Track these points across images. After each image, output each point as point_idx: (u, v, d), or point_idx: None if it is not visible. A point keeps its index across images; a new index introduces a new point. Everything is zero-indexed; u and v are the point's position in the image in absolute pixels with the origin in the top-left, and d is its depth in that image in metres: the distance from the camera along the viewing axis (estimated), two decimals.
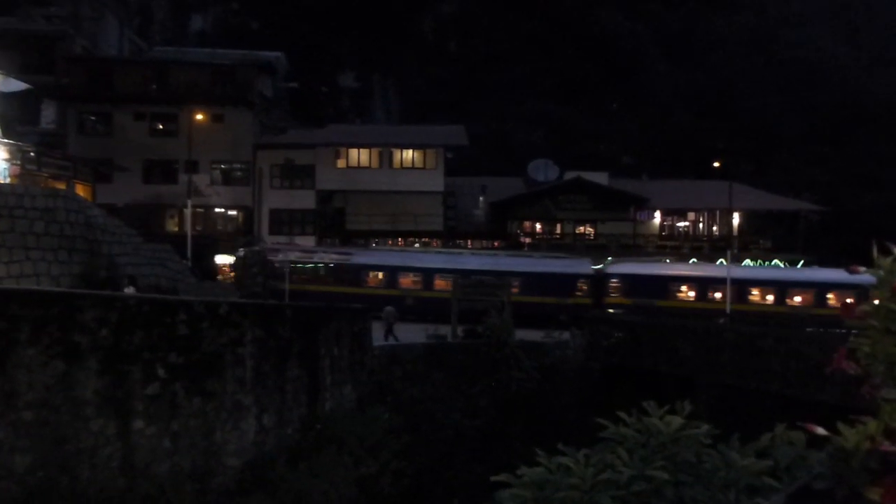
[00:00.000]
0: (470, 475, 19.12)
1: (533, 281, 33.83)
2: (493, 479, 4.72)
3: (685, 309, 32.28)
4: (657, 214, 49.64)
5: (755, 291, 34.56)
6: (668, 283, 34.34)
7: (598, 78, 78.09)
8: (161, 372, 11.52)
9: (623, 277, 34.72)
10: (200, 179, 44.53)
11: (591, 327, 25.76)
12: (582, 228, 49.87)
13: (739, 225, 49.24)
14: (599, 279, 35.18)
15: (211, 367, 12.48)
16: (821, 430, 1.55)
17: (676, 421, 4.66)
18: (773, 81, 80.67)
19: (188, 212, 40.07)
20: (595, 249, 44.73)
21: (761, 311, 32.58)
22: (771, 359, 20.04)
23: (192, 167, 43.28)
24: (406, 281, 34.98)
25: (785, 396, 18.41)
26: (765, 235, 49.91)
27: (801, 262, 41.89)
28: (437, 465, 18.41)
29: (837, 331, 27.26)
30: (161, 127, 45.88)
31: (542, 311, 31.11)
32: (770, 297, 34.25)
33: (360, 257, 36.24)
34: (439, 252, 39.58)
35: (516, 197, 49.19)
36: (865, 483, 1.37)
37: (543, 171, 51.10)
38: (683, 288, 34.55)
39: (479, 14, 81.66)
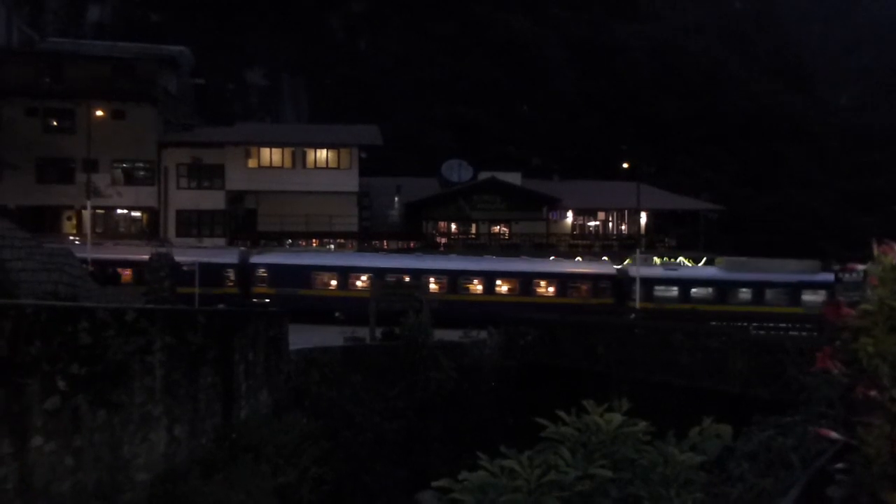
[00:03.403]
0: (390, 479, 18.95)
1: (177, 272, 33.28)
2: (434, 485, 4.58)
3: (327, 298, 34.17)
4: (569, 214, 50.83)
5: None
6: (310, 273, 35.24)
7: (508, 81, 79.34)
8: (62, 384, 10.74)
9: (268, 267, 35.28)
10: (100, 179, 42.36)
11: (508, 326, 26.01)
12: (496, 228, 50.47)
13: (647, 224, 51.08)
14: (246, 269, 35.43)
15: (117, 378, 11.76)
16: (834, 435, 1.50)
17: (616, 418, 4.65)
18: (672, 88, 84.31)
19: (87, 213, 37.95)
20: (509, 249, 45.37)
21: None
22: (679, 353, 20.81)
23: (91, 166, 41.10)
24: None
25: (692, 389, 19.13)
26: (669, 234, 52.00)
27: (704, 259, 43.85)
28: (357, 469, 18.13)
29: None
30: (56, 123, 43.33)
31: (188, 301, 30.02)
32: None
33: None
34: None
35: (431, 197, 49.23)
36: (888, 489, 1.33)
37: (457, 171, 51.38)
38: (325, 277, 35.51)
39: (389, 14, 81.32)
